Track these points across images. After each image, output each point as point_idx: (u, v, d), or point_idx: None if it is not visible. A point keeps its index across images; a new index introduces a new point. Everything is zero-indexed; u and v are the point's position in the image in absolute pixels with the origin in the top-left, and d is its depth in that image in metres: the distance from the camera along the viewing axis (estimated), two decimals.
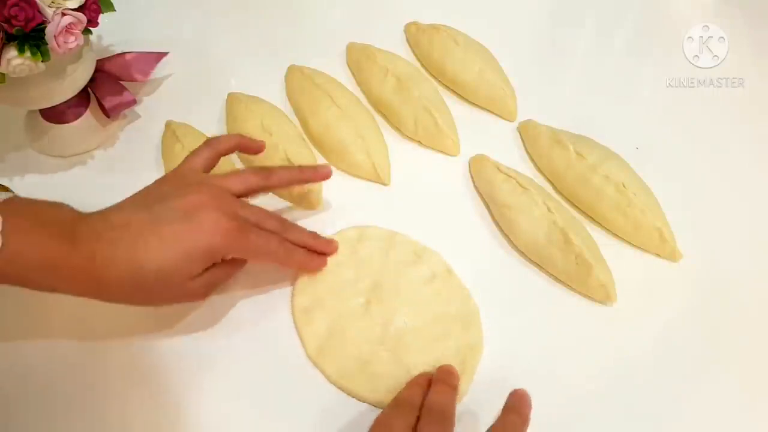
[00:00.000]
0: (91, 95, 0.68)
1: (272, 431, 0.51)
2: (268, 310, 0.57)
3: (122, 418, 0.51)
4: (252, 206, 0.53)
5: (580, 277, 0.57)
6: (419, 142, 0.69)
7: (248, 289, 0.58)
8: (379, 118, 0.70)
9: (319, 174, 0.59)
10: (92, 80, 0.66)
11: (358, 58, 0.74)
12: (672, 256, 0.61)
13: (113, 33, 0.74)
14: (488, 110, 0.72)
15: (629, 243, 0.62)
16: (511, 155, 0.68)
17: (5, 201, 0.46)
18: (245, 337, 0.55)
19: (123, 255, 0.46)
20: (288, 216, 0.63)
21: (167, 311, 0.56)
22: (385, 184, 0.66)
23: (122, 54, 0.69)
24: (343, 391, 0.53)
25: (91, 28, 0.60)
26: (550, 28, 0.83)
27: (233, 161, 0.66)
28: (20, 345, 0.54)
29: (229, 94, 0.70)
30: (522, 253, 0.61)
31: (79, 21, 0.57)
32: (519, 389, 0.49)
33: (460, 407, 0.52)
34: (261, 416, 0.52)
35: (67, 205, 0.49)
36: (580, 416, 0.53)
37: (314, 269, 0.57)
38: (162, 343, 0.55)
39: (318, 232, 0.58)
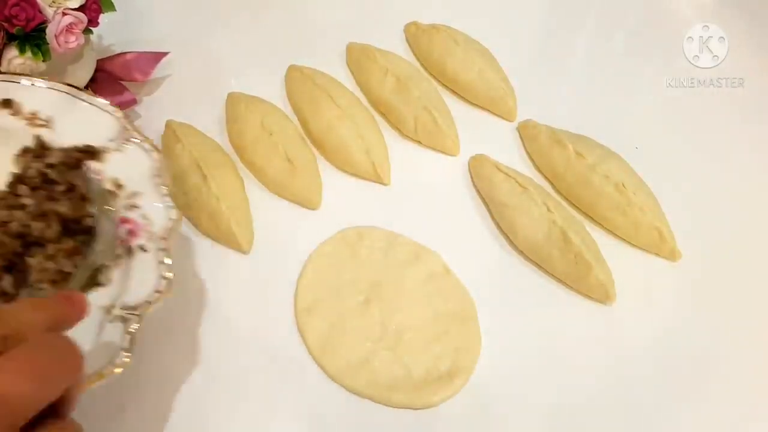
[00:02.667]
0: None
1: (275, 428, 0.51)
2: (270, 309, 0.57)
3: (123, 416, 0.51)
4: None
5: (580, 277, 0.58)
6: (419, 142, 0.69)
7: (250, 290, 0.58)
8: (379, 118, 0.71)
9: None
10: (92, 80, 0.66)
11: (358, 58, 0.74)
12: (672, 255, 0.61)
13: (113, 33, 0.74)
14: (488, 110, 0.72)
15: (629, 243, 0.62)
16: (510, 155, 0.68)
17: None
18: (248, 337, 0.55)
19: None
20: (288, 216, 0.63)
21: (169, 312, 0.56)
22: (385, 184, 0.66)
23: (122, 54, 0.69)
24: (344, 388, 0.53)
25: (91, 28, 0.60)
26: (550, 28, 0.83)
27: (234, 161, 0.66)
28: None
29: (229, 94, 0.70)
30: (521, 253, 0.61)
31: (80, 21, 0.57)
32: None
33: (459, 406, 0.52)
34: (263, 413, 0.52)
35: None
36: (579, 416, 0.53)
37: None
38: (164, 343, 0.55)
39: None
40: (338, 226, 0.62)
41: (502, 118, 0.72)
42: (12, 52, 0.54)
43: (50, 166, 0.51)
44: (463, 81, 0.72)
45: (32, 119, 0.54)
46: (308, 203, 0.63)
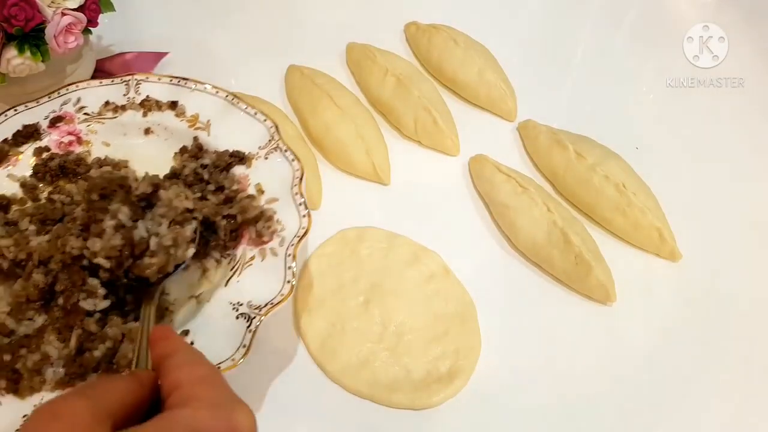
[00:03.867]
0: None
1: (275, 428, 0.51)
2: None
3: None
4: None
5: (580, 277, 0.57)
6: (419, 142, 0.69)
7: None
8: (379, 118, 0.70)
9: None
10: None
11: (358, 58, 0.74)
12: (672, 256, 0.61)
13: (113, 33, 0.74)
14: (488, 110, 0.72)
15: (629, 243, 0.62)
16: (510, 155, 0.68)
17: None
18: None
19: None
20: None
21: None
22: (385, 184, 0.66)
23: (122, 54, 0.69)
24: (344, 388, 0.53)
25: (90, 28, 0.60)
26: (550, 28, 0.83)
27: None
28: None
29: None
30: (522, 253, 0.61)
31: (79, 21, 0.57)
32: None
33: (459, 407, 0.52)
34: (263, 413, 0.52)
35: None
36: (579, 415, 0.53)
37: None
38: None
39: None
40: (338, 226, 0.62)
41: (502, 118, 0.72)
42: (11, 52, 0.54)
43: (204, 166, 0.56)
44: (463, 81, 0.72)
45: (193, 121, 0.60)
46: (308, 203, 0.63)
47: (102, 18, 0.60)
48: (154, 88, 0.61)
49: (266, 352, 0.54)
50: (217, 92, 0.60)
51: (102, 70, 0.67)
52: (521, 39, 0.80)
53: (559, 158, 0.65)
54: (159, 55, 0.70)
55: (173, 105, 0.60)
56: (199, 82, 0.61)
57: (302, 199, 0.53)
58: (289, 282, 0.49)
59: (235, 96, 0.60)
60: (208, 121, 0.59)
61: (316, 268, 0.59)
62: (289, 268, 0.50)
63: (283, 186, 0.55)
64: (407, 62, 0.74)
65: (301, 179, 0.55)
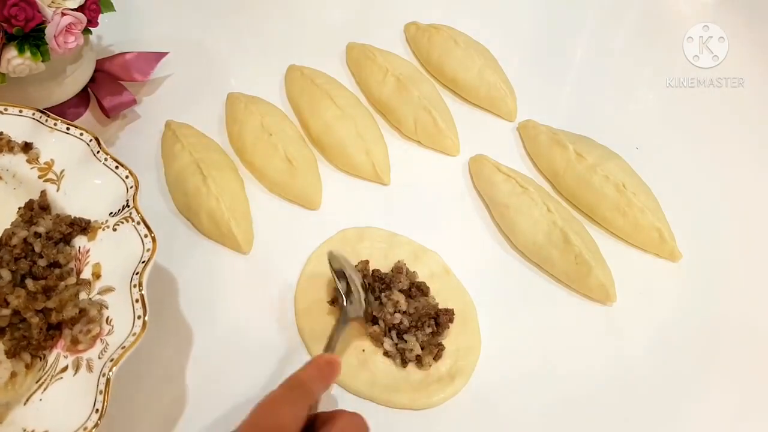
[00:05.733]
0: (91, 95, 0.68)
1: None
2: (270, 310, 0.57)
3: (125, 412, 0.51)
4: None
5: (580, 277, 0.58)
6: (419, 142, 0.69)
7: (250, 290, 0.58)
8: (378, 118, 0.70)
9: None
10: (92, 80, 0.66)
11: (357, 58, 0.74)
12: (672, 256, 0.61)
13: (113, 33, 0.74)
14: (488, 110, 0.72)
15: (629, 243, 0.62)
16: (510, 155, 0.68)
17: None
18: (248, 337, 0.55)
19: None
20: (289, 215, 0.63)
21: (169, 313, 0.56)
22: (385, 184, 0.66)
23: (122, 54, 0.69)
24: (344, 388, 0.53)
25: (90, 28, 0.60)
26: (550, 28, 0.83)
27: (234, 161, 0.66)
28: None
29: (229, 94, 0.70)
30: (521, 253, 0.61)
31: (79, 21, 0.57)
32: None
33: (459, 406, 0.52)
34: None
35: None
36: (579, 415, 0.53)
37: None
38: (164, 342, 0.55)
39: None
40: (338, 226, 0.62)
41: (502, 118, 0.72)
42: (11, 53, 0.54)
43: (37, 235, 0.47)
44: (463, 81, 0.72)
45: (45, 170, 0.51)
46: (308, 203, 0.63)
47: (102, 18, 0.60)
48: (12, 123, 0.52)
49: (265, 352, 0.55)
50: (81, 134, 0.51)
51: (102, 71, 0.67)
52: (521, 39, 0.80)
53: (559, 158, 0.65)
54: (159, 55, 0.70)
55: (27, 147, 0.51)
56: (63, 121, 0.52)
57: (140, 294, 0.43)
58: (97, 411, 0.39)
59: (99, 143, 0.51)
60: (62, 171, 0.50)
61: (316, 268, 0.59)
62: (101, 392, 0.39)
63: (126, 272, 0.45)
64: (407, 62, 0.74)
65: (147, 263, 0.44)
